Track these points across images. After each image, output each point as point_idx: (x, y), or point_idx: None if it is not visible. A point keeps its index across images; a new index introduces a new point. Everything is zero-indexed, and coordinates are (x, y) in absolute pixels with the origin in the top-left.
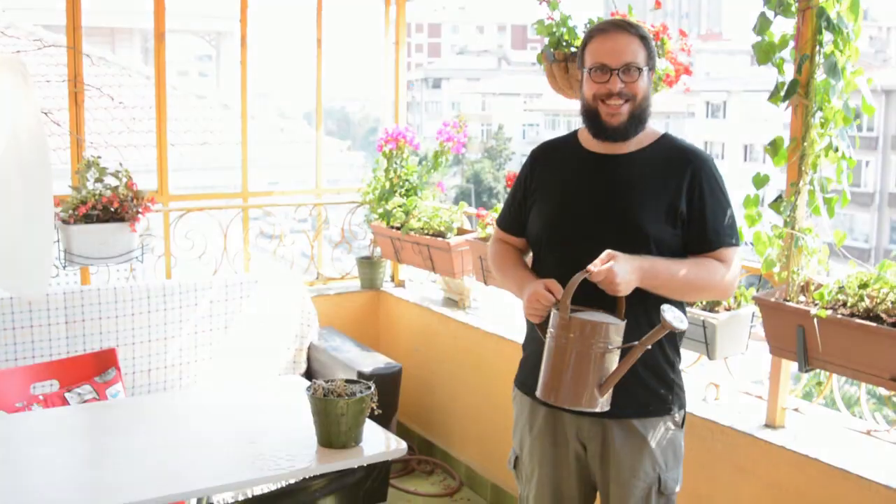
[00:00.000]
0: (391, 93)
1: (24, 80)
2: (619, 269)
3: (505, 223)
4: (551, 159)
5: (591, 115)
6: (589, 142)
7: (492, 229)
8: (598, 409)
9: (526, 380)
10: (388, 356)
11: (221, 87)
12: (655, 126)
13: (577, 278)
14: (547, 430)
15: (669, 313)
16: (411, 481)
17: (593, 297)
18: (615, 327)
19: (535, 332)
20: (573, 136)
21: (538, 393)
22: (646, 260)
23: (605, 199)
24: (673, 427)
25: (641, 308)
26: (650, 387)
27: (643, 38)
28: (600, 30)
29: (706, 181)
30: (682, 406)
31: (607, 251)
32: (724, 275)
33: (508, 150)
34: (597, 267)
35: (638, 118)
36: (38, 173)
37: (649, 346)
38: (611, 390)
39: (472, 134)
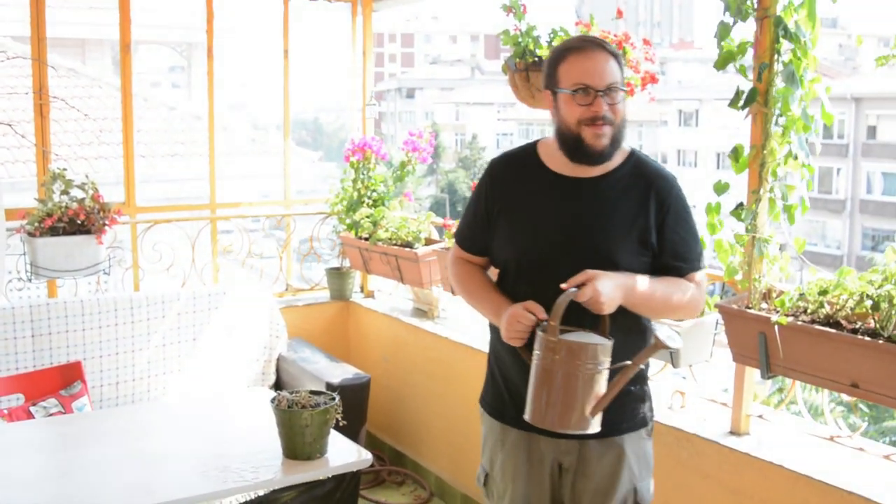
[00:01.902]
0: (358, 102)
1: None
2: (604, 288)
3: (466, 243)
4: (513, 176)
5: (573, 140)
6: (553, 160)
7: None
8: (589, 431)
9: (492, 401)
10: (357, 367)
11: (193, 98)
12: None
13: (564, 300)
14: (521, 447)
15: (662, 331)
16: (382, 492)
17: (573, 315)
18: (603, 348)
19: (500, 350)
20: (532, 151)
21: (526, 417)
22: (628, 277)
23: (575, 228)
24: (645, 436)
25: (617, 325)
26: (626, 405)
27: (617, 57)
28: (576, 48)
29: (675, 208)
30: (652, 417)
31: (585, 271)
32: (695, 295)
33: (483, 160)
34: (573, 284)
35: (618, 140)
36: None
37: (642, 366)
38: (601, 412)
39: (446, 144)
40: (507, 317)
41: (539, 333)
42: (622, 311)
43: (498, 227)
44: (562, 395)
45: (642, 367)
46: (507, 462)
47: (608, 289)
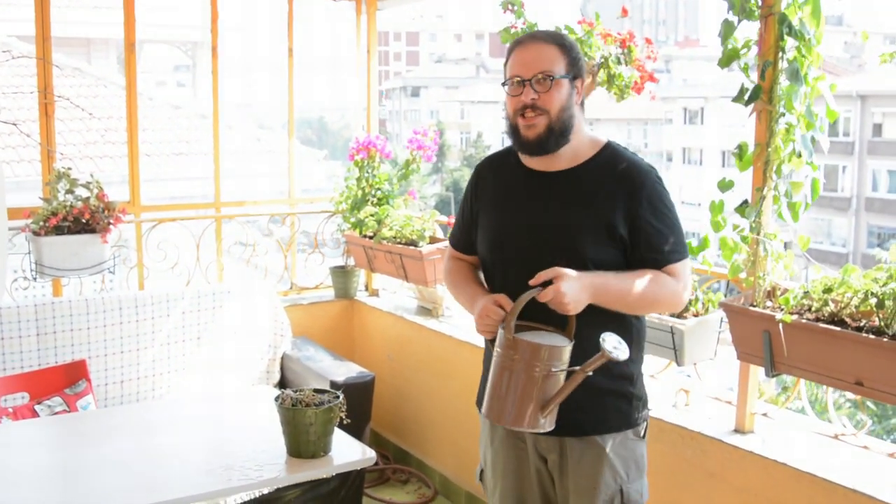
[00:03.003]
0: (363, 101)
1: None
2: (568, 288)
3: (456, 242)
4: (492, 175)
5: (512, 131)
6: (526, 157)
7: None
8: (540, 430)
9: (481, 397)
10: (361, 365)
11: (198, 97)
12: (600, 134)
13: (525, 298)
14: (508, 444)
15: (609, 342)
16: (386, 490)
17: (545, 313)
18: (561, 349)
19: (486, 346)
20: (512, 150)
21: (482, 411)
22: (597, 276)
23: (541, 220)
24: (633, 437)
25: (593, 324)
26: (608, 403)
27: (563, 47)
28: (517, 42)
29: (648, 200)
30: (644, 418)
31: (553, 268)
32: (674, 288)
33: None
34: (539, 281)
35: (558, 131)
36: None
37: (590, 373)
38: (554, 411)
39: (451, 142)
40: (478, 309)
41: (500, 329)
42: (599, 307)
43: (478, 224)
44: (517, 393)
45: (629, 366)
46: (497, 459)
47: (573, 290)
